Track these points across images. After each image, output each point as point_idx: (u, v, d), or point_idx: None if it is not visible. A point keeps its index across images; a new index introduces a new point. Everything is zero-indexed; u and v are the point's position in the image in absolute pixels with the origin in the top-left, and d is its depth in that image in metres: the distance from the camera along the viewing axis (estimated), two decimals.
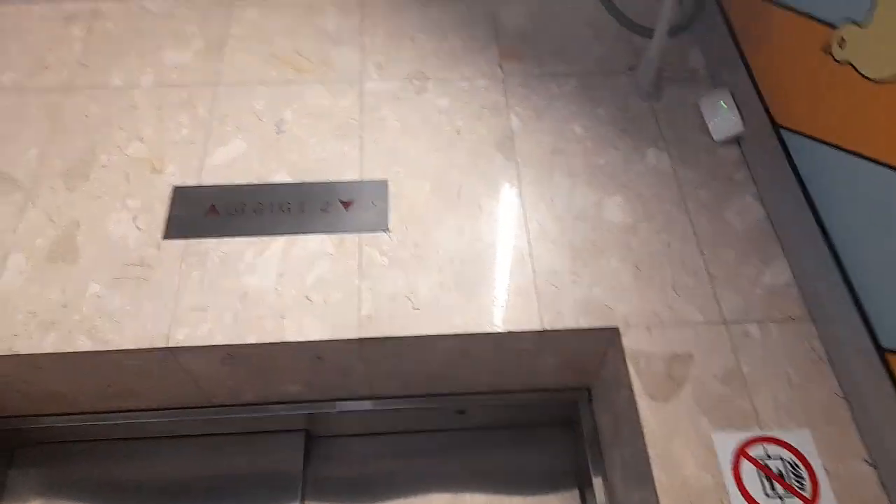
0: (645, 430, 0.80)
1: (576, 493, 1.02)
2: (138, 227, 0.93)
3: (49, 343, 0.83)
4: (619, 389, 0.88)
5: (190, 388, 0.94)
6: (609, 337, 0.89)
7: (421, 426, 1.07)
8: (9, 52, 1.10)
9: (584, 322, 0.87)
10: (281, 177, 0.99)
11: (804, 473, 0.77)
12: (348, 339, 0.85)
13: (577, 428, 1.05)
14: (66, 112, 1.04)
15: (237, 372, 0.91)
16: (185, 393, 0.95)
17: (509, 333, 0.87)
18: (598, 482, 0.97)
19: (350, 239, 0.93)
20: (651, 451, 0.78)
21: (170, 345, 0.83)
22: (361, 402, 1.01)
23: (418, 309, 0.88)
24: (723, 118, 1.02)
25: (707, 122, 1.03)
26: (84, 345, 0.83)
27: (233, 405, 1.00)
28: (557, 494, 1.02)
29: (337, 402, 1.01)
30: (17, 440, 1.00)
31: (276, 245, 0.92)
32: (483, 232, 0.94)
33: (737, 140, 1.04)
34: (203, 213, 0.94)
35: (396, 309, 0.87)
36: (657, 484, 0.76)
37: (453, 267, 0.91)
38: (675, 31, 1.00)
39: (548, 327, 0.87)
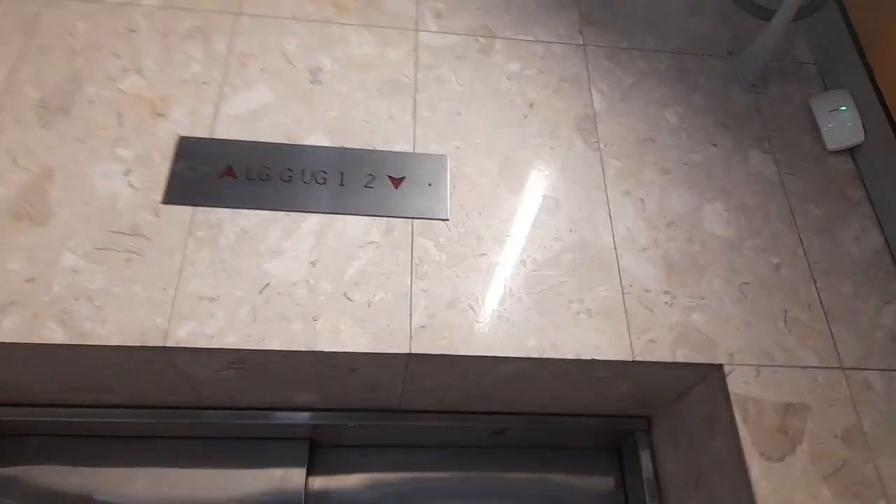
0: (756, 493, 0.66)
1: None
2: (131, 185, 0.73)
3: (7, 329, 0.63)
4: (713, 434, 0.73)
5: (182, 389, 0.75)
6: (705, 373, 0.74)
7: (450, 443, 0.91)
8: None
9: (681, 355, 0.72)
10: (316, 138, 0.79)
11: None
12: (396, 354, 0.68)
13: (628, 458, 0.91)
14: (45, 27, 0.82)
15: (244, 377, 0.73)
16: (172, 393, 0.76)
17: (592, 361, 0.71)
18: None
19: (401, 225, 0.75)
20: None
21: (168, 343, 0.65)
22: (382, 413, 0.84)
23: (481, 321, 0.71)
24: (841, 125, 0.87)
25: (821, 126, 0.88)
26: (54, 335, 0.63)
27: (227, 408, 0.82)
28: None
29: (352, 412, 0.84)
30: None
31: (309, 225, 0.73)
32: (560, 231, 0.78)
33: (849, 150, 0.89)
34: (216, 174, 0.75)
35: (455, 319, 0.71)
36: None
37: (526, 271, 0.74)
38: (800, 14, 0.84)
39: (639, 358, 0.71)
